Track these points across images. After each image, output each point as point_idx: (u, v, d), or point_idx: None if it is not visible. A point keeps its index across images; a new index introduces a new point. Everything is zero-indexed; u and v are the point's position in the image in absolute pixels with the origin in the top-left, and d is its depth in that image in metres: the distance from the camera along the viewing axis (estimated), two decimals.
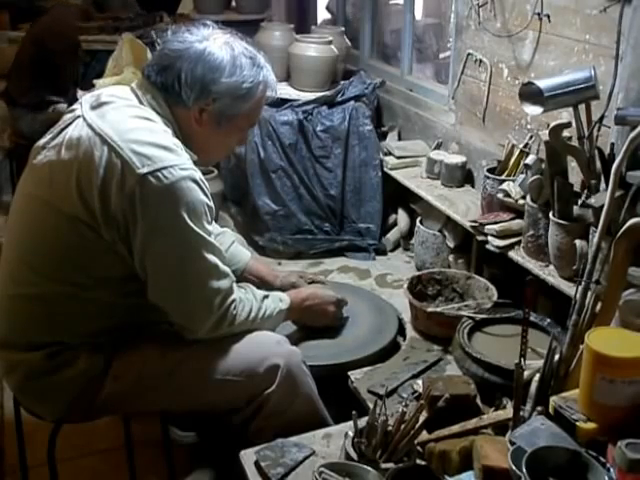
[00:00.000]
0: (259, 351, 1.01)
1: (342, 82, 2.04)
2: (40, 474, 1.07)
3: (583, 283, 0.91)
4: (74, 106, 1.01)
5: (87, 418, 1.03)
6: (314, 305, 1.20)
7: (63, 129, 0.97)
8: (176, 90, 0.96)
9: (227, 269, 0.99)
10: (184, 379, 0.99)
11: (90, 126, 0.93)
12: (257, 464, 0.91)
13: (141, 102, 0.97)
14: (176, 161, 0.91)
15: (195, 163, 0.99)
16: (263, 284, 1.24)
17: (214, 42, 0.97)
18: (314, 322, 1.24)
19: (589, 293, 0.91)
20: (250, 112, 1.01)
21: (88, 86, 2.34)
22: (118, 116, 0.94)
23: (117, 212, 0.90)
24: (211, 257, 0.95)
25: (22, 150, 2.40)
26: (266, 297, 1.07)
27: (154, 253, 0.92)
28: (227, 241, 1.26)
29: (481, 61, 1.64)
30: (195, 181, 0.92)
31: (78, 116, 0.96)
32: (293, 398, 1.01)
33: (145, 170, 0.88)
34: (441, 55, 2.49)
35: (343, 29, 2.27)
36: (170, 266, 0.93)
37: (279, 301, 1.10)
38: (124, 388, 0.98)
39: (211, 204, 0.96)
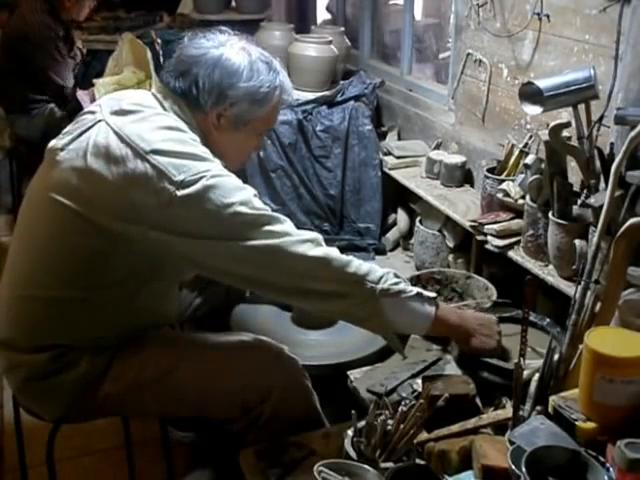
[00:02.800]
0: (257, 362, 1.00)
1: (342, 82, 2.04)
2: (40, 473, 1.07)
3: (582, 283, 0.91)
4: (92, 108, 0.99)
5: (85, 419, 1.03)
6: (478, 319, 1.01)
7: (84, 132, 0.95)
8: (194, 95, 0.95)
9: (310, 234, 0.92)
10: (180, 385, 0.98)
11: (118, 135, 0.91)
12: (257, 463, 0.91)
13: (165, 109, 0.96)
14: (210, 167, 0.90)
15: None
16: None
17: (231, 48, 0.97)
18: (474, 340, 1.01)
19: (589, 293, 0.91)
20: (267, 116, 1.01)
21: (88, 86, 2.34)
22: (147, 125, 0.92)
23: (149, 217, 0.87)
24: (282, 227, 0.90)
25: (22, 150, 2.41)
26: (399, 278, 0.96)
27: (234, 257, 0.88)
28: None
29: (481, 61, 1.64)
30: (230, 178, 0.91)
31: (99, 120, 0.94)
32: (290, 410, 1.00)
33: (182, 177, 0.87)
34: (441, 55, 2.48)
35: (343, 29, 2.27)
36: (253, 262, 0.88)
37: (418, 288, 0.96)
38: (122, 390, 0.98)
39: (254, 191, 0.93)
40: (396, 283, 0.94)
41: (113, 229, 0.90)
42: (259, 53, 0.99)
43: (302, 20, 2.72)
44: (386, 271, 0.96)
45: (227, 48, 0.97)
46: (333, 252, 0.94)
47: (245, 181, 2.19)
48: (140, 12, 3.21)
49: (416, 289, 0.96)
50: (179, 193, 0.87)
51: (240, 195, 0.90)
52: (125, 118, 0.93)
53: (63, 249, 0.94)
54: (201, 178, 0.88)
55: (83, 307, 0.95)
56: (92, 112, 0.98)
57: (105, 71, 2.32)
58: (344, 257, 0.95)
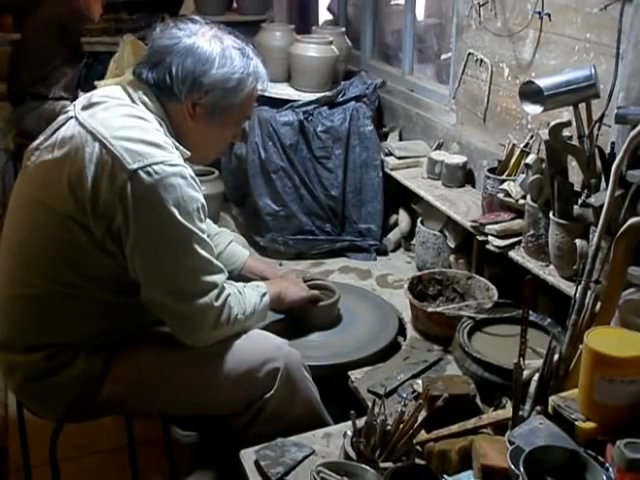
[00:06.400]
0: (258, 355, 1.01)
1: (343, 82, 2.04)
2: (44, 473, 1.08)
3: (583, 282, 0.91)
4: (68, 107, 1.01)
5: (87, 418, 1.04)
6: (288, 278, 1.23)
7: (56, 130, 0.98)
8: (168, 85, 0.96)
9: (221, 265, 0.99)
10: (183, 382, 0.99)
11: (82, 125, 0.94)
12: (257, 463, 0.91)
13: (133, 101, 0.97)
14: (166, 157, 0.91)
15: (190, 160, 0.99)
16: (262, 281, 1.24)
17: (203, 36, 0.98)
18: (295, 294, 1.21)
19: (589, 292, 0.91)
20: (243, 104, 1.01)
21: (90, 88, 2.35)
22: (109, 114, 0.94)
23: (108, 208, 0.90)
24: (204, 253, 0.95)
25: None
26: (244, 287, 1.07)
27: (145, 250, 0.91)
28: (224, 241, 1.26)
29: (482, 61, 1.64)
30: (185, 177, 0.92)
31: (71, 117, 0.97)
32: (292, 402, 1.01)
33: (136, 165, 0.89)
34: (442, 56, 2.48)
35: (344, 29, 2.27)
36: (162, 263, 0.92)
37: (256, 287, 1.10)
38: (123, 389, 0.98)
39: (203, 202, 0.96)
40: (253, 304, 1.05)
41: (71, 214, 0.91)
42: (231, 40, 1.00)
43: (303, 21, 2.72)
44: (251, 301, 1.05)
45: (199, 37, 0.98)
46: (231, 300, 0.99)
47: (246, 182, 2.19)
48: (142, 14, 3.22)
49: (256, 292, 1.08)
50: (129, 185, 0.88)
51: (184, 204, 0.91)
52: (92, 110, 0.96)
53: (37, 244, 0.95)
54: (154, 174, 0.88)
55: (68, 304, 0.95)
56: (67, 111, 1.00)
57: (107, 73, 2.33)
58: (232, 301, 1.00)
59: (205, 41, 0.97)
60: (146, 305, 0.96)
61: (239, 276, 1.25)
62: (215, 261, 0.97)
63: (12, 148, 2.53)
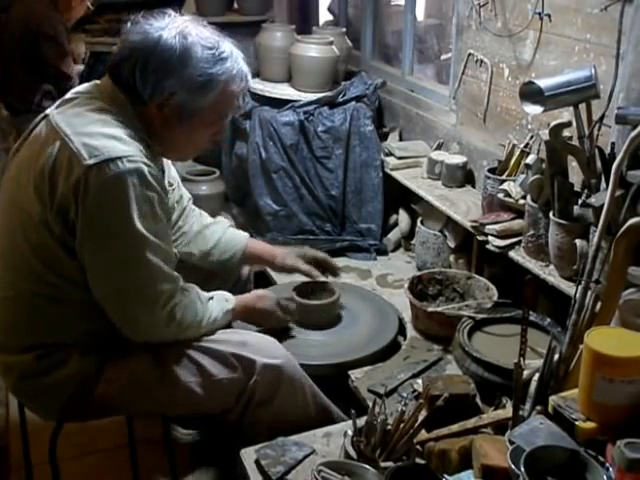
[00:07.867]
0: (230, 350, 1.01)
1: (343, 83, 2.04)
2: (45, 471, 1.08)
3: (583, 283, 0.91)
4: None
5: (83, 418, 1.04)
6: (260, 306, 1.15)
7: (32, 130, 0.97)
8: (131, 85, 0.92)
9: (173, 273, 0.95)
10: (174, 385, 0.99)
11: (49, 122, 0.93)
12: (257, 462, 0.91)
13: (102, 94, 0.95)
14: (125, 152, 0.88)
15: (167, 158, 0.97)
16: (263, 264, 1.24)
17: (169, 32, 0.91)
18: (260, 322, 1.19)
19: (589, 293, 0.91)
20: (215, 105, 0.95)
21: None
22: (76, 110, 0.93)
23: (63, 202, 0.87)
24: (153, 258, 0.90)
25: None
26: (211, 299, 1.05)
27: (91, 245, 0.89)
28: (222, 227, 1.24)
29: (482, 61, 1.64)
30: (141, 175, 0.88)
31: (45, 116, 0.96)
32: (278, 383, 1.01)
33: (92, 161, 0.86)
34: (442, 57, 2.48)
35: (344, 30, 2.27)
36: (108, 265, 0.90)
37: (224, 301, 1.07)
38: (117, 391, 0.98)
39: (160, 198, 0.91)
40: (214, 317, 1.04)
41: (37, 214, 0.90)
42: (199, 38, 0.92)
43: (304, 21, 2.72)
44: (212, 314, 1.04)
45: (165, 32, 0.91)
46: (179, 308, 0.96)
47: (247, 182, 2.19)
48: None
49: (221, 307, 1.06)
50: (83, 180, 0.86)
51: (137, 202, 0.88)
52: (63, 107, 0.94)
53: (14, 245, 0.95)
54: (108, 170, 0.86)
55: (52, 304, 0.95)
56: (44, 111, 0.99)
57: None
58: (191, 307, 0.98)
59: (170, 38, 0.90)
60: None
61: (242, 259, 1.22)
62: (166, 269, 0.93)
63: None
